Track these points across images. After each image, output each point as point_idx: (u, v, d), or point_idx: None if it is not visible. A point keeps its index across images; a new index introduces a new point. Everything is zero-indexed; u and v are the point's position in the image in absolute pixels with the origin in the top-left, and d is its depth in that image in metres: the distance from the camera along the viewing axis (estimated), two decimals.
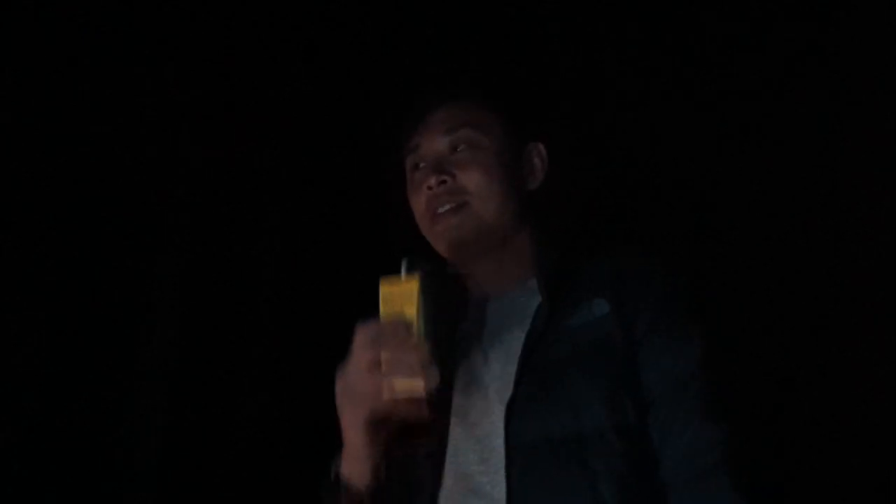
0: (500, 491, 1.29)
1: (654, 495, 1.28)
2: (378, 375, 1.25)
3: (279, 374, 2.38)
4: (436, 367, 1.25)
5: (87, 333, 2.24)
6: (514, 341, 1.38)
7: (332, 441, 1.34)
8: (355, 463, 1.31)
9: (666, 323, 1.35)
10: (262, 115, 2.45)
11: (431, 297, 1.31)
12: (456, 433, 1.36)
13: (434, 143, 1.48)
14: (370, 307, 1.29)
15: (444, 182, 1.44)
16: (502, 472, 1.30)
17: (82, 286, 2.25)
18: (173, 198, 2.40)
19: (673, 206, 2.30)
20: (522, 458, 1.29)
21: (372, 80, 2.41)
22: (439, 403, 1.34)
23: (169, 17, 2.33)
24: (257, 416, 2.35)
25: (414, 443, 1.36)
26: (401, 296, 1.29)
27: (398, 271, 1.31)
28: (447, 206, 1.44)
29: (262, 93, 2.45)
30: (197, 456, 2.28)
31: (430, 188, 1.45)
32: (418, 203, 1.48)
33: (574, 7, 2.39)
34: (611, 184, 2.32)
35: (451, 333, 1.41)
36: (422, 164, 1.49)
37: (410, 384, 1.25)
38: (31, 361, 2.19)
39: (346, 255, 2.36)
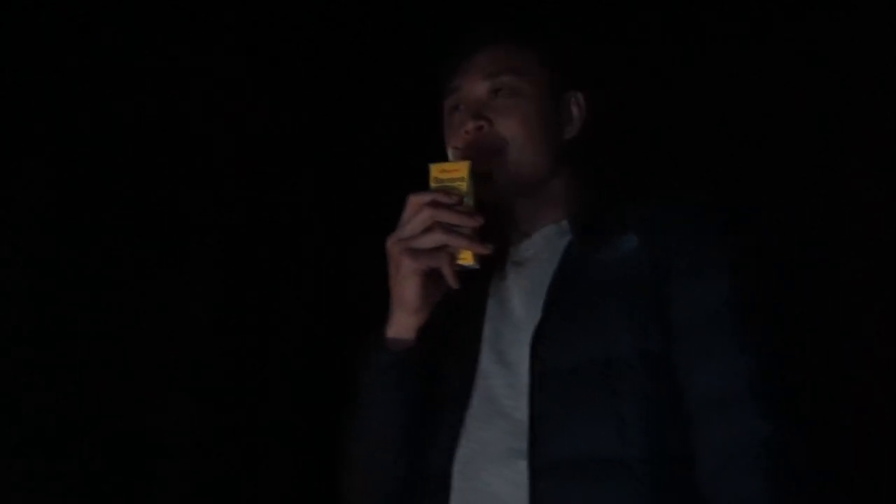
0: (524, 414, 1.31)
1: (678, 422, 1.29)
2: (437, 235, 1.32)
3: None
4: (487, 242, 1.33)
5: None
6: (545, 275, 1.41)
7: None
8: (404, 317, 1.37)
9: (696, 258, 1.36)
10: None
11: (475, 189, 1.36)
12: (486, 359, 1.40)
13: (474, 87, 1.48)
14: None
15: (481, 128, 1.45)
16: (527, 397, 1.32)
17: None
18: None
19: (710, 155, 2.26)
20: (547, 382, 1.32)
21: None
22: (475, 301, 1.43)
23: None
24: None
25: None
26: (452, 174, 1.36)
27: None
28: (483, 152, 1.44)
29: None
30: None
31: (467, 133, 1.45)
32: (454, 145, 1.48)
33: None
34: (650, 133, 2.28)
35: (485, 267, 1.42)
36: (461, 107, 1.49)
37: (464, 251, 1.33)
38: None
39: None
